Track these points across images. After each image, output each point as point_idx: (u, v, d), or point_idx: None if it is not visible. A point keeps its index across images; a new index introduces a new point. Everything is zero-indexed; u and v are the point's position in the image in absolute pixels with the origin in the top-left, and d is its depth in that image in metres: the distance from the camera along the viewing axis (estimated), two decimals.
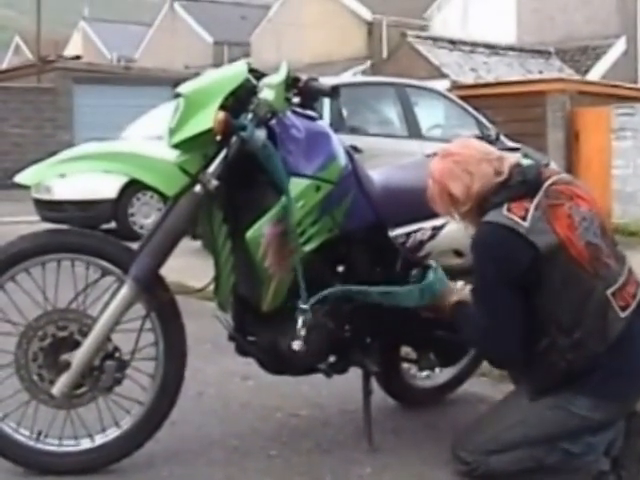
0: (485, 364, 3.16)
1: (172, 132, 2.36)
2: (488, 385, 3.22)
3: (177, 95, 2.40)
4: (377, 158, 5.85)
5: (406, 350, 2.94)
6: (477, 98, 10.02)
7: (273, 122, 2.38)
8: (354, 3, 23.22)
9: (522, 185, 2.33)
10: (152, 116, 9.12)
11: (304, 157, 2.43)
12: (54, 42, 29.52)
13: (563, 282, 2.25)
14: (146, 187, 2.46)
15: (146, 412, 2.45)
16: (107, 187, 8.09)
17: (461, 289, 2.55)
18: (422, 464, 2.51)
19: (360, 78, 12.76)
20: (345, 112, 7.14)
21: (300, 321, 2.41)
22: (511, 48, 19.11)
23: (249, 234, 2.34)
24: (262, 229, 2.35)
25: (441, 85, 10.84)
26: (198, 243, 4.45)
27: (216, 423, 2.90)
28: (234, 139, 2.32)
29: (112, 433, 2.45)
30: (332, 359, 2.64)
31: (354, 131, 7.17)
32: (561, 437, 2.33)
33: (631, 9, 19.76)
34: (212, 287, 2.47)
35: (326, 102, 6.62)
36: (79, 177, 7.00)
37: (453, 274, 2.59)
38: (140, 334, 2.41)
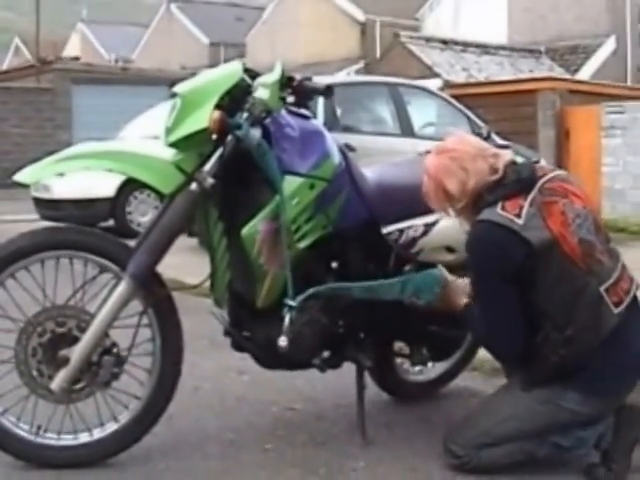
0: (477, 358, 3.20)
1: (168, 131, 2.37)
2: (480, 379, 3.24)
3: (173, 95, 2.42)
4: (370, 156, 5.87)
5: (399, 345, 2.95)
6: (469, 97, 10.07)
7: (268, 121, 2.40)
8: (347, 4, 23.27)
9: (516, 183, 2.35)
10: (149, 116, 9.13)
11: (298, 155, 2.44)
12: (53, 43, 29.62)
13: (557, 278, 2.27)
14: (143, 185, 2.48)
15: (143, 406, 2.47)
16: (105, 186, 8.12)
17: (464, 288, 2.56)
18: (415, 457, 2.52)
19: (354, 78, 12.77)
20: (339, 111, 7.15)
21: (287, 318, 2.43)
22: (502, 47, 19.15)
23: (244, 231, 2.36)
24: (257, 226, 2.37)
25: (433, 84, 10.87)
26: (194, 240, 4.48)
27: (212, 417, 2.91)
28: (229, 138, 2.34)
29: (110, 427, 2.47)
30: (326, 354, 2.66)
31: (348, 130, 7.17)
32: (551, 431, 2.36)
33: (620, 9, 19.84)
34: (208, 284, 2.48)
35: (320, 101, 6.63)
36: (77, 176, 7.03)
37: (447, 270, 2.61)
38: (137, 330, 2.42)
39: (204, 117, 2.31)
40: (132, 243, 2.45)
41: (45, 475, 2.38)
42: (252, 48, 26.15)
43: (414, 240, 2.64)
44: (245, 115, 2.34)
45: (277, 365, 2.64)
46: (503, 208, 2.31)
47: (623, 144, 9.40)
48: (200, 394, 3.16)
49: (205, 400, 3.10)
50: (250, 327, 2.57)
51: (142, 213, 8.28)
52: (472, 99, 9.89)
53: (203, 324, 3.02)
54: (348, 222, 2.56)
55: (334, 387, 3.08)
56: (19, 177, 2.38)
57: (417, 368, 3.13)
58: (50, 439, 2.44)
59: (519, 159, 2.48)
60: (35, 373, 2.37)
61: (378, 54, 21.31)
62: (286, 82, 2.46)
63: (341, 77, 13.15)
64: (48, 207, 8.41)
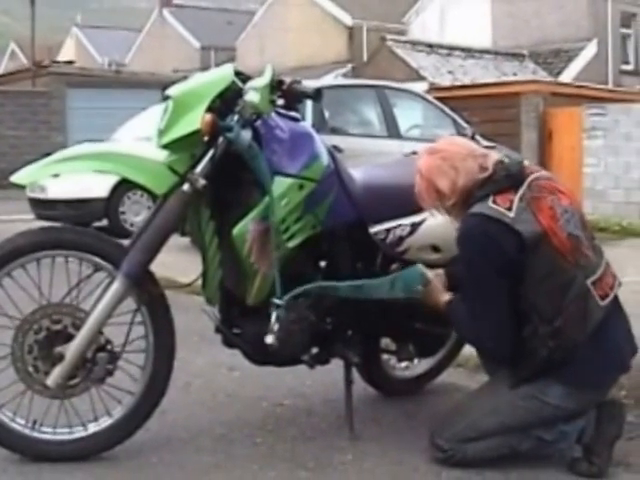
0: (462, 355, 3.24)
1: (161, 133, 2.40)
2: (464, 375, 3.27)
3: (166, 97, 2.44)
4: (358, 157, 5.92)
5: (386, 342, 2.98)
6: (454, 99, 10.13)
7: (258, 123, 2.42)
8: (335, 9, 23.33)
9: (506, 178, 2.39)
10: (142, 118, 9.14)
11: (288, 157, 2.47)
12: (48, 48, 29.63)
13: (546, 271, 2.31)
14: (136, 186, 2.49)
15: (137, 402, 2.49)
16: (99, 186, 8.15)
17: (443, 283, 2.60)
18: (401, 451, 2.55)
19: (341, 81, 12.79)
20: (327, 113, 7.16)
21: (274, 316, 2.45)
22: (486, 51, 19.28)
23: (235, 231, 2.39)
24: (247, 226, 2.39)
25: (419, 87, 10.93)
26: (186, 240, 4.51)
27: (204, 412, 2.93)
28: (221, 140, 2.37)
29: (104, 422, 2.49)
30: (315, 351, 2.68)
31: (335, 131, 7.20)
32: (535, 425, 2.39)
33: (602, 13, 20.00)
34: (200, 282, 2.50)
35: (309, 104, 6.65)
36: (72, 177, 7.05)
37: (432, 269, 2.63)
38: (131, 327, 2.44)
39: (196, 119, 2.33)
40: (126, 242, 2.47)
41: (41, 468, 2.40)
42: (242, 52, 26.16)
43: (401, 239, 2.67)
44: (236, 117, 2.36)
45: (267, 361, 2.66)
46: (494, 202, 2.34)
47: (604, 145, 9.46)
48: (192, 390, 3.18)
49: (197, 395, 3.12)
50: (241, 324, 2.60)
51: (135, 213, 8.31)
52: (457, 101, 9.95)
53: (195, 321, 3.04)
54: (336, 222, 2.59)
55: (323, 383, 3.10)
56: (15, 178, 2.41)
57: (403, 364, 3.16)
58: (46, 433, 2.46)
59: (507, 158, 2.50)
60: (31, 369, 2.39)
61: (365, 58, 21.38)
62: (276, 85, 2.48)
63: (329, 80, 13.18)
64: (43, 207, 8.44)
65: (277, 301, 2.46)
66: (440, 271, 2.63)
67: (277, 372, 2.93)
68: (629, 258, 6.67)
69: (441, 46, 18.52)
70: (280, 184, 2.44)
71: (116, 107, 14.68)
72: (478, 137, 7.55)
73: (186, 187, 2.37)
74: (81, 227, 2.56)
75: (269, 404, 3.03)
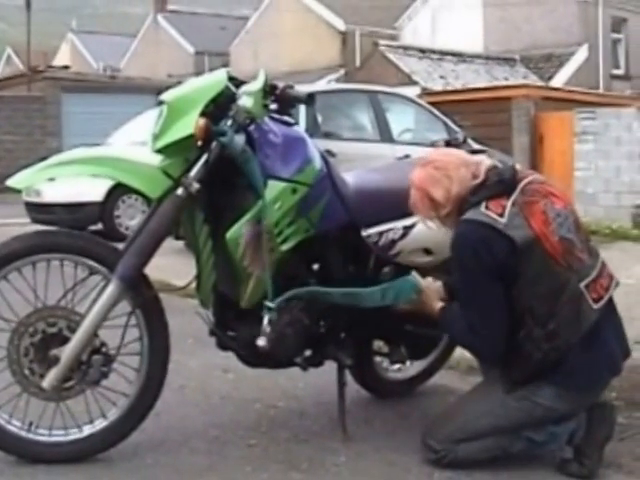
0: (453, 357, 3.26)
1: (155, 138, 2.41)
2: (456, 377, 3.29)
3: (160, 102, 2.45)
4: (351, 162, 5.94)
5: (378, 344, 3.00)
6: (446, 104, 10.17)
7: (252, 128, 2.43)
8: (328, 14, 23.41)
9: (499, 184, 2.41)
10: (136, 123, 9.16)
11: (281, 161, 2.48)
12: (44, 53, 29.71)
13: (538, 275, 2.32)
14: (131, 190, 2.51)
15: (131, 404, 2.51)
16: (94, 190, 8.17)
17: (438, 291, 2.61)
18: (393, 452, 2.56)
19: (334, 85, 12.82)
20: (320, 118, 7.19)
21: (266, 319, 2.46)
22: (478, 56, 19.34)
23: (229, 234, 2.40)
24: (241, 230, 2.40)
25: (411, 92, 10.96)
26: (181, 243, 4.50)
27: (198, 414, 2.94)
28: (214, 144, 2.38)
29: (99, 424, 2.50)
30: (308, 353, 2.69)
31: (328, 136, 7.23)
32: (526, 426, 2.40)
33: (592, 18, 20.10)
34: (194, 285, 2.51)
35: (302, 108, 6.68)
36: (67, 181, 7.05)
37: (423, 271, 2.67)
38: (126, 330, 2.45)
39: (190, 124, 2.34)
40: (121, 246, 2.48)
41: (36, 469, 2.41)
42: (236, 57, 26.22)
43: (393, 242, 2.69)
44: (229, 122, 2.38)
45: (260, 364, 2.68)
46: (487, 208, 2.37)
47: (595, 149, 9.49)
48: (186, 392, 3.19)
49: (191, 398, 3.13)
50: (234, 327, 2.61)
51: (130, 217, 8.33)
52: (449, 106, 9.99)
53: (189, 324, 3.03)
54: (329, 225, 2.60)
55: (316, 385, 3.11)
56: (11, 182, 2.42)
57: (396, 366, 3.18)
58: (41, 435, 2.47)
59: (500, 164, 2.53)
60: (27, 372, 2.40)
61: (358, 62, 21.43)
62: (269, 90, 2.50)
63: (322, 85, 13.22)
64: (39, 211, 8.48)
65: (269, 304, 2.47)
66: (439, 283, 2.65)
67: (271, 374, 2.94)
68: (620, 261, 6.70)
69: (433, 51, 18.58)
70: (273, 188, 2.46)
71: (111, 112, 14.72)
72: (470, 141, 7.64)
73: (180, 191, 2.38)
74: (76, 231, 2.57)
75: (263, 406, 3.04)
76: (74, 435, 2.50)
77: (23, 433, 2.46)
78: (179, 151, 2.41)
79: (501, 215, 2.35)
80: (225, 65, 22.07)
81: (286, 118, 2.61)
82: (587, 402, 2.44)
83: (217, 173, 2.42)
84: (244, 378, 3.21)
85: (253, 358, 2.63)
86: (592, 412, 2.44)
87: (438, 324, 2.59)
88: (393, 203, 2.65)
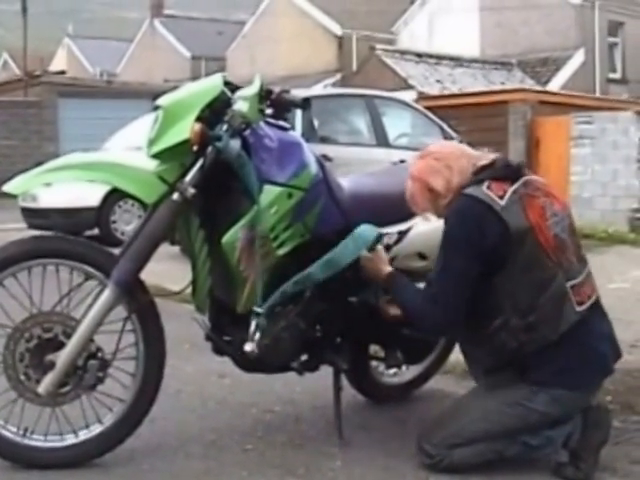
0: (449, 362, 3.26)
1: (151, 143, 2.41)
2: (452, 382, 3.28)
3: (156, 107, 2.46)
4: (347, 166, 5.95)
5: (374, 348, 3.00)
6: (442, 108, 10.17)
7: (247, 132, 2.44)
8: (325, 19, 23.47)
9: (505, 168, 2.44)
10: (133, 128, 9.15)
11: (277, 166, 2.49)
12: (40, 58, 29.76)
13: (527, 265, 2.34)
14: (127, 195, 2.51)
15: (127, 409, 2.50)
16: (90, 195, 8.18)
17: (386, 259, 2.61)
18: (390, 457, 2.56)
19: (330, 90, 12.84)
20: (316, 122, 7.20)
21: (253, 324, 2.46)
22: (475, 60, 19.40)
23: (225, 239, 2.40)
24: (237, 234, 2.41)
25: (408, 96, 10.99)
26: (177, 248, 4.50)
27: (194, 419, 2.94)
28: (210, 149, 2.38)
29: (95, 429, 2.50)
30: (304, 358, 2.69)
31: (325, 140, 7.25)
32: (521, 431, 2.41)
33: (589, 22, 20.15)
34: (190, 290, 2.51)
35: (298, 113, 6.69)
36: (64, 186, 7.04)
37: (418, 276, 2.66)
38: (121, 335, 2.45)
39: (185, 129, 2.35)
40: (117, 251, 2.48)
41: (31, 475, 2.41)
42: (232, 61, 26.27)
43: (388, 247, 2.69)
44: (225, 127, 2.38)
45: (256, 368, 2.68)
46: (489, 187, 2.38)
47: (591, 153, 9.52)
48: (182, 397, 3.19)
49: (187, 403, 3.13)
50: (230, 332, 2.61)
51: (126, 222, 8.34)
52: (445, 110, 10.00)
53: (185, 329, 3.04)
54: (325, 230, 2.60)
55: (312, 390, 3.11)
56: (8, 188, 2.42)
57: (392, 371, 3.18)
58: (37, 441, 2.47)
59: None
60: (22, 377, 2.40)
61: (355, 67, 21.48)
62: (265, 95, 2.50)
63: (318, 90, 13.24)
64: (35, 216, 8.48)
65: (257, 309, 2.47)
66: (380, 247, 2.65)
67: (267, 379, 2.94)
68: (615, 265, 6.73)
69: (430, 55, 18.63)
70: (269, 193, 2.46)
71: (107, 117, 14.75)
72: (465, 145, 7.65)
73: (176, 196, 2.38)
74: (72, 236, 2.57)
75: (259, 411, 3.04)
76: (70, 440, 2.50)
77: (19, 439, 2.46)
78: (175, 156, 2.41)
79: (501, 197, 2.37)
80: (222, 70, 22.14)
81: (282, 123, 2.61)
82: (581, 405, 2.44)
83: (213, 178, 2.42)
84: (240, 383, 3.21)
85: (249, 363, 2.62)
86: (587, 416, 2.44)
87: (387, 286, 2.57)
88: (388, 208, 2.66)
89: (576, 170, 9.65)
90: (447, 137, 7.84)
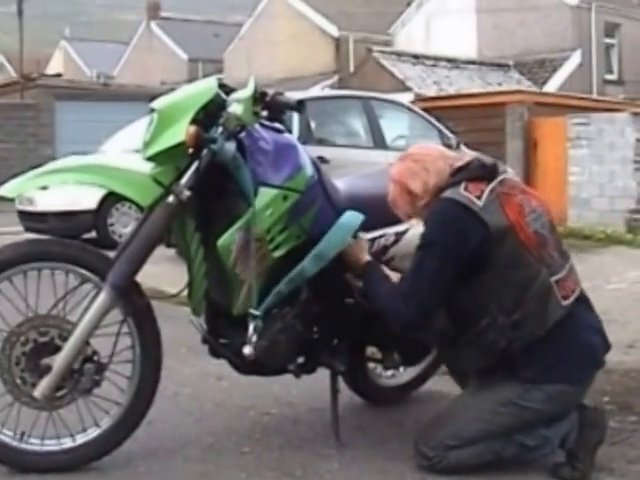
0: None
1: (146, 145, 2.41)
2: (450, 383, 3.17)
3: (151, 110, 2.46)
4: (344, 168, 5.94)
5: (372, 350, 3.00)
6: (439, 110, 10.18)
7: (242, 135, 2.44)
8: (322, 20, 23.49)
9: (480, 168, 2.45)
10: (130, 130, 9.15)
11: (272, 168, 2.49)
12: (36, 61, 29.76)
13: (510, 263, 2.35)
14: (124, 198, 2.51)
15: (124, 412, 2.50)
16: (87, 198, 8.16)
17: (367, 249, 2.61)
18: (387, 459, 2.56)
19: (327, 92, 12.84)
20: (313, 124, 7.18)
21: (251, 327, 2.45)
22: (472, 62, 19.40)
23: (220, 241, 2.40)
24: (233, 237, 2.41)
25: (405, 98, 10.98)
26: (172, 251, 4.50)
27: (192, 422, 2.94)
28: (205, 152, 2.38)
29: (92, 433, 2.50)
30: (301, 360, 2.69)
31: (322, 142, 7.23)
32: (517, 429, 2.41)
33: (586, 24, 20.17)
34: (186, 292, 2.51)
35: (295, 115, 6.70)
36: (60, 189, 7.06)
37: None
38: (118, 338, 2.45)
39: (180, 132, 2.34)
40: (113, 254, 2.48)
41: None
42: (229, 64, 26.26)
43: (385, 248, 2.70)
44: (220, 129, 2.38)
45: (253, 371, 2.67)
46: (466, 188, 2.40)
47: (589, 154, 9.54)
48: (180, 400, 3.19)
49: (184, 405, 3.13)
50: (227, 334, 2.61)
51: (124, 225, 8.32)
52: (443, 112, 10.01)
53: (182, 332, 3.05)
54: (321, 232, 2.59)
55: (309, 392, 3.12)
56: (2, 191, 2.42)
57: (389, 372, 3.18)
58: (34, 445, 2.47)
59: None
60: (19, 381, 2.40)
61: (352, 69, 21.47)
62: (259, 97, 2.50)
63: (315, 91, 13.25)
64: (32, 220, 8.47)
65: (254, 312, 2.47)
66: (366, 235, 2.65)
67: (264, 382, 2.94)
68: (613, 265, 6.74)
69: (427, 57, 18.62)
70: (264, 195, 2.46)
71: (104, 119, 14.71)
72: (463, 147, 7.66)
73: (171, 199, 2.38)
74: (67, 239, 2.57)
75: (256, 413, 3.04)
76: (67, 444, 2.49)
77: (15, 443, 2.45)
78: (170, 159, 2.41)
79: (479, 198, 2.38)
80: (219, 72, 22.16)
81: (276, 125, 2.61)
82: (575, 399, 2.45)
83: (208, 180, 2.42)
84: (238, 385, 3.21)
85: (246, 365, 2.62)
86: (584, 416, 2.45)
87: (363, 274, 2.58)
88: (385, 209, 2.65)
89: (574, 171, 9.67)
90: (445, 139, 7.84)
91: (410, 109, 8.52)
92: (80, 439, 2.50)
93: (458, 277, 2.39)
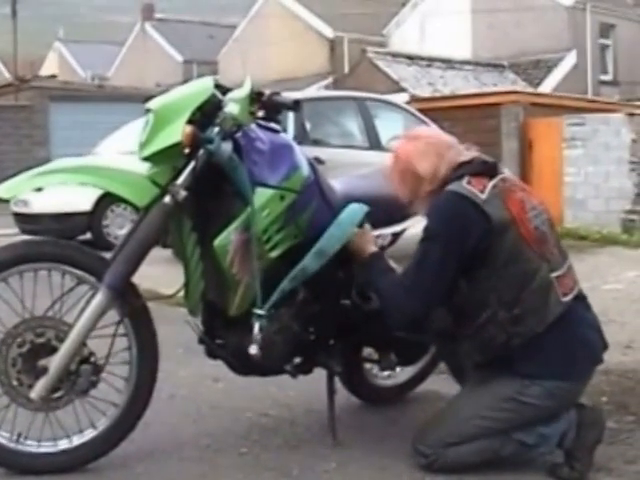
0: (444, 363, 3.30)
1: (142, 146, 2.41)
2: (447, 382, 3.19)
3: (147, 110, 2.45)
4: (339, 168, 5.94)
5: (368, 351, 3.00)
6: (434, 110, 10.17)
7: (238, 135, 2.44)
8: (317, 21, 23.49)
9: (483, 164, 2.47)
10: (124, 132, 9.15)
11: (269, 168, 2.48)
12: (31, 62, 29.74)
13: (511, 257, 2.35)
14: (120, 199, 2.50)
15: (121, 413, 2.50)
16: (82, 200, 8.16)
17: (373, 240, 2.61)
18: (384, 458, 2.57)
19: (322, 93, 12.85)
20: (308, 125, 7.19)
21: (257, 326, 2.45)
22: (467, 62, 19.42)
23: (217, 242, 2.40)
24: (229, 237, 2.40)
25: (400, 98, 10.98)
26: (169, 251, 4.48)
27: (188, 423, 2.94)
28: (201, 152, 2.38)
29: (89, 434, 2.49)
30: (298, 360, 2.69)
31: (317, 143, 7.22)
32: (516, 426, 2.41)
33: (581, 24, 20.22)
34: (182, 293, 2.51)
35: (290, 116, 6.69)
36: (55, 191, 7.05)
37: None
38: (114, 339, 2.44)
39: (177, 132, 2.34)
40: (109, 255, 2.47)
41: None
42: (224, 65, 26.23)
43: (382, 249, 2.69)
44: (216, 129, 2.38)
45: (250, 372, 2.67)
46: (469, 182, 2.41)
47: (584, 155, 9.54)
48: (176, 401, 3.19)
49: (181, 407, 3.13)
50: (223, 335, 2.61)
51: (119, 226, 8.29)
52: (438, 112, 10.00)
53: (179, 333, 2.99)
54: (318, 232, 2.59)
55: (306, 392, 3.11)
56: None
57: (386, 373, 3.18)
58: (30, 446, 2.46)
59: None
60: (15, 382, 2.39)
61: (346, 69, 21.51)
62: (255, 97, 2.50)
63: (310, 92, 13.25)
64: (27, 221, 8.46)
65: (258, 311, 2.47)
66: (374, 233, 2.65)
67: (261, 383, 2.94)
68: (609, 266, 6.75)
69: (421, 57, 18.64)
70: (261, 195, 2.46)
71: (99, 121, 14.69)
72: None
73: (167, 199, 2.38)
74: (64, 240, 2.56)
75: (254, 414, 3.04)
76: (63, 445, 2.49)
77: (12, 444, 2.45)
78: (166, 159, 2.41)
79: (482, 192, 2.39)
80: (214, 74, 22.12)
81: (273, 125, 2.61)
82: (574, 396, 2.45)
83: (204, 181, 2.42)
84: (234, 387, 3.20)
85: (242, 366, 2.63)
86: (582, 416, 2.45)
87: (367, 265, 2.57)
88: (381, 209, 2.65)
89: (569, 171, 9.68)
90: None
91: (405, 110, 8.52)
92: (77, 440, 2.49)
93: (459, 270, 2.39)
